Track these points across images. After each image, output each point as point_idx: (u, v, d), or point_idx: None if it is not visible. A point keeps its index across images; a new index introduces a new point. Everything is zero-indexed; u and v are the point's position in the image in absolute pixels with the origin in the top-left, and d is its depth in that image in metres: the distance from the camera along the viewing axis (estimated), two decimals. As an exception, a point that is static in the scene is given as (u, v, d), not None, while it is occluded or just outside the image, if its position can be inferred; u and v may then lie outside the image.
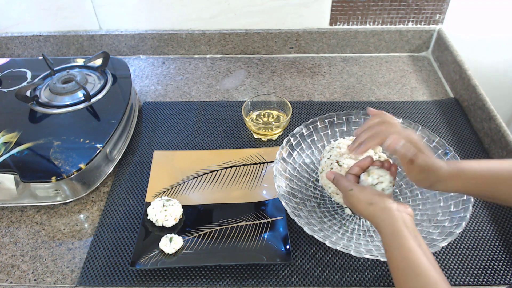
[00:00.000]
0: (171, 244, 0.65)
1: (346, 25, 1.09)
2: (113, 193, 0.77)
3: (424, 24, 1.09)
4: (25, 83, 0.89)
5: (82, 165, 0.72)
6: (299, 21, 1.08)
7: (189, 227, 0.69)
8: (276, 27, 1.09)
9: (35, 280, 0.65)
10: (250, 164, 0.80)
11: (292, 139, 0.77)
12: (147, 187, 0.76)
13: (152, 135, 0.89)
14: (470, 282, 0.63)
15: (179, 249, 0.66)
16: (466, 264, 0.65)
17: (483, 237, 0.69)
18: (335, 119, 0.80)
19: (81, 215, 0.74)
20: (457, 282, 0.63)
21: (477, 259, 0.66)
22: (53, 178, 0.70)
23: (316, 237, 0.61)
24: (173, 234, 0.67)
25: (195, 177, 0.78)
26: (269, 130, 0.85)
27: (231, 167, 0.80)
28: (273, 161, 0.80)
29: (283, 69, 1.08)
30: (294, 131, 0.78)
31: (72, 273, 0.65)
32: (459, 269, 0.65)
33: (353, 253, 0.60)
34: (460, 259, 0.66)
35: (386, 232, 0.50)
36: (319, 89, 1.01)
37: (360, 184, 0.58)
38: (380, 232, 0.51)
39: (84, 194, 0.75)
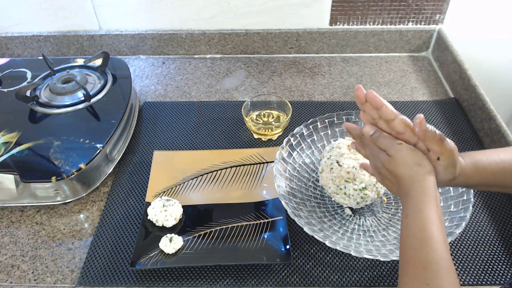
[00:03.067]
0: (171, 244, 0.65)
1: (346, 25, 1.09)
2: (113, 193, 0.77)
3: (424, 24, 1.09)
4: (25, 83, 0.89)
5: (82, 165, 0.72)
6: (299, 21, 1.08)
7: (189, 227, 0.69)
8: (276, 27, 1.09)
9: (35, 280, 0.65)
10: (250, 164, 0.80)
11: (292, 139, 0.77)
12: (147, 187, 0.76)
13: (152, 135, 0.89)
14: (470, 282, 0.63)
15: (179, 249, 0.66)
16: (466, 264, 0.65)
17: (483, 237, 0.69)
18: (335, 119, 0.80)
19: (81, 215, 0.74)
20: (457, 282, 0.63)
21: (477, 259, 0.66)
22: (53, 178, 0.70)
23: (316, 237, 0.61)
24: (173, 234, 0.67)
25: (195, 177, 0.78)
26: (269, 130, 0.85)
27: (231, 167, 0.80)
28: (273, 161, 0.80)
29: (283, 69, 1.08)
30: (294, 131, 0.78)
31: (72, 273, 0.65)
32: (459, 269, 0.65)
33: (353, 253, 0.60)
34: (460, 259, 0.66)
35: (418, 198, 0.48)
36: (319, 89, 1.01)
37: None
38: (409, 196, 0.48)
39: (84, 194, 0.75)
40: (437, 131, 0.49)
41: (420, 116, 0.49)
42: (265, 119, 0.89)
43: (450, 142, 0.50)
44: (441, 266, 0.43)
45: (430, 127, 0.49)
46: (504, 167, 0.53)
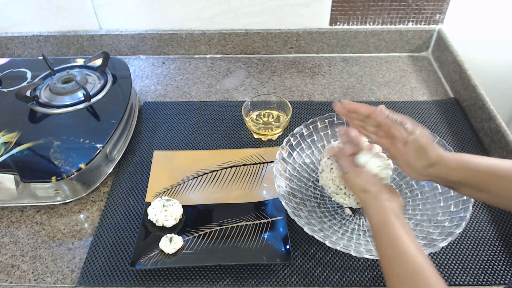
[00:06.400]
0: (171, 244, 0.65)
1: (346, 25, 1.09)
2: (113, 193, 0.77)
3: (424, 24, 1.09)
4: (25, 83, 0.89)
5: (82, 165, 0.72)
6: (299, 21, 1.08)
7: (189, 227, 0.69)
8: (276, 27, 1.09)
9: (35, 280, 0.65)
10: (250, 164, 0.80)
11: (292, 139, 0.77)
12: (147, 187, 0.76)
13: (152, 135, 0.89)
14: (470, 282, 0.63)
15: (179, 249, 0.66)
16: (466, 264, 0.65)
17: (483, 237, 0.69)
18: (335, 119, 0.80)
19: (81, 215, 0.74)
20: (457, 282, 0.63)
21: (477, 259, 0.66)
22: (53, 178, 0.70)
23: (316, 237, 0.61)
24: (173, 234, 0.67)
25: (195, 177, 0.78)
26: (269, 130, 0.85)
27: (231, 167, 0.80)
28: (273, 161, 0.80)
29: (283, 69, 1.08)
30: (294, 131, 0.78)
31: (72, 273, 0.65)
32: (459, 269, 0.65)
33: (353, 253, 0.60)
34: (460, 259, 0.66)
35: (375, 220, 0.51)
36: (319, 89, 1.01)
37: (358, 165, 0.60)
38: (370, 220, 0.53)
39: (84, 194, 0.75)
40: (398, 117, 0.53)
41: (381, 106, 0.54)
42: (265, 119, 0.89)
43: (415, 128, 0.53)
44: (418, 274, 0.45)
45: (392, 114, 0.54)
46: (492, 171, 0.51)
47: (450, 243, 0.67)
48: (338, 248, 0.60)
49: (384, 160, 0.61)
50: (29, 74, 0.92)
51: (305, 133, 0.79)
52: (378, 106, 0.55)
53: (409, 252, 0.46)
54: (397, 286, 0.45)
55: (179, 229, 0.69)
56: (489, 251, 0.67)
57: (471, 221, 0.71)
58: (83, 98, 0.84)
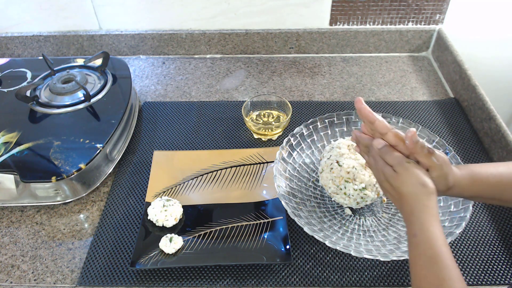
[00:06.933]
0: (171, 244, 0.65)
1: (346, 25, 1.09)
2: (113, 193, 0.77)
3: (424, 24, 1.09)
4: (25, 83, 0.89)
5: (82, 165, 0.72)
6: (299, 21, 1.08)
7: (189, 227, 0.69)
8: (276, 27, 1.09)
9: (35, 280, 0.65)
10: (250, 164, 0.80)
11: (292, 139, 0.77)
12: (147, 187, 0.76)
13: (152, 135, 0.89)
14: (470, 282, 0.63)
15: (179, 249, 0.66)
16: (466, 264, 0.65)
17: (483, 237, 0.69)
18: (335, 119, 0.80)
19: (81, 215, 0.74)
20: (457, 282, 0.63)
21: (477, 259, 0.66)
22: (53, 178, 0.70)
23: (316, 237, 0.61)
24: (173, 234, 0.67)
25: (195, 177, 0.78)
26: (269, 130, 0.85)
27: (231, 167, 0.80)
28: (273, 161, 0.80)
29: (283, 69, 1.08)
30: (294, 131, 0.78)
31: (72, 273, 0.65)
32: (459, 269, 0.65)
33: (353, 253, 0.60)
34: (460, 259, 0.66)
35: (423, 218, 0.49)
36: (319, 89, 1.01)
37: None
38: (414, 215, 0.50)
39: (84, 194, 0.75)
40: (426, 145, 0.52)
41: (412, 130, 0.51)
42: (265, 119, 0.89)
43: (439, 156, 0.52)
44: (454, 282, 0.44)
45: (421, 141, 0.51)
46: (502, 181, 0.53)
47: (450, 243, 0.67)
48: (338, 248, 0.60)
49: None
50: (29, 74, 0.92)
51: (305, 133, 0.79)
52: (408, 130, 0.51)
53: (450, 259, 0.46)
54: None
55: (179, 229, 0.69)
56: (489, 251, 0.67)
57: (471, 221, 0.71)
58: (83, 98, 0.84)
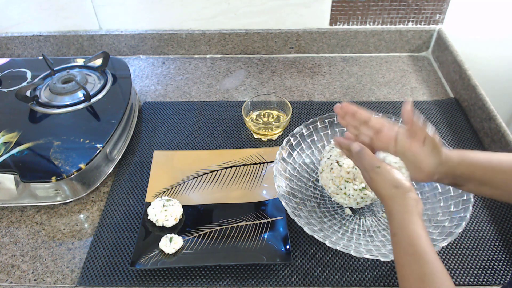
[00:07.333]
0: (171, 244, 0.65)
1: (346, 25, 1.09)
2: (113, 193, 0.77)
3: (424, 24, 1.09)
4: (25, 83, 0.89)
5: (82, 165, 0.72)
6: (299, 21, 1.08)
7: (189, 227, 0.69)
8: (276, 27, 1.09)
9: (35, 280, 0.65)
10: (250, 164, 0.80)
11: (292, 139, 0.77)
12: (147, 187, 0.76)
13: (152, 135, 0.89)
14: (470, 282, 0.63)
15: (179, 249, 0.66)
16: (466, 264, 0.65)
17: (483, 237, 0.69)
18: (335, 119, 0.80)
19: (81, 215, 0.74)
20: (457, 282, 0.63)
21: (477, 259, 0.66)
22: (53, 178, 0.70)
23: (316, 237, 0.61)
24: (173, 234, 0.67)
25: (195, 177, 0.78)
26: (269, 130, 0.85)
27: (231, 167, 0.80)
28: (273, 161, 0.80)
29: (283, 69, 1.08)
30: (294, 131, 0.78)
31: (72, 273, 0.65)
32: (459, 269, 0.65)
33: (353, 253, 0.60)
34: (460, 259, 0.66)
35: (399, 217, 0.50)
36: (319, 89, 1.01)
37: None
38: (392, 215, 0.51)
39: (84, 194, 0.75)
40: (420, 116, 0.53)
41: (409, 100, 0.53)
42: (265, 119, 0.89)
43: (430, 130, 0.53)
44: (436, 276, 0.45)
45: (416, 112, 0.53)
46: (491, 162, 0.53)
47: (450, 243, 0.67)
48: (338, 248, 0.60)
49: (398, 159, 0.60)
50: (29, 74, 0.92)
51: (305, 133, 0.79)
52: (405, 103, 0.53)
53: (430, 254, 0.46)
54: (413, 285, 0.46)
55: (179, 229, 0.69)
56: (489, 251, 0.67)
57: (471, 221, 0.71)
58: (83, 98, 0.84)
